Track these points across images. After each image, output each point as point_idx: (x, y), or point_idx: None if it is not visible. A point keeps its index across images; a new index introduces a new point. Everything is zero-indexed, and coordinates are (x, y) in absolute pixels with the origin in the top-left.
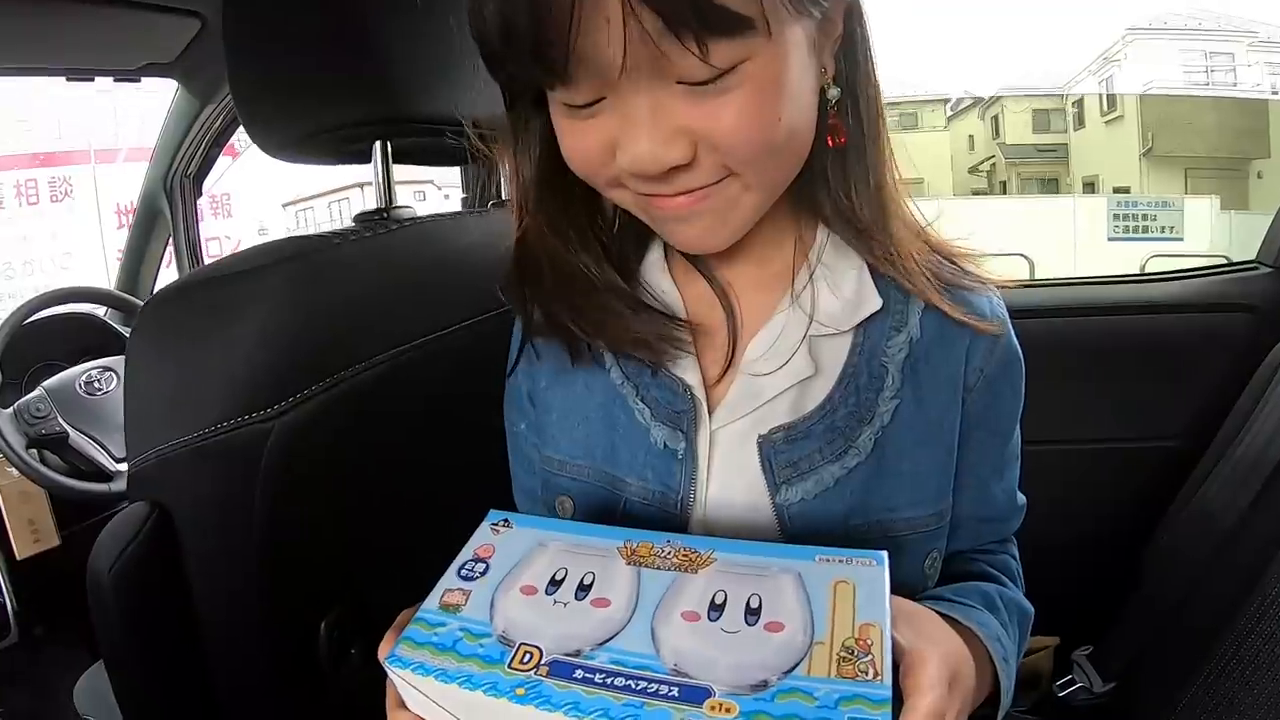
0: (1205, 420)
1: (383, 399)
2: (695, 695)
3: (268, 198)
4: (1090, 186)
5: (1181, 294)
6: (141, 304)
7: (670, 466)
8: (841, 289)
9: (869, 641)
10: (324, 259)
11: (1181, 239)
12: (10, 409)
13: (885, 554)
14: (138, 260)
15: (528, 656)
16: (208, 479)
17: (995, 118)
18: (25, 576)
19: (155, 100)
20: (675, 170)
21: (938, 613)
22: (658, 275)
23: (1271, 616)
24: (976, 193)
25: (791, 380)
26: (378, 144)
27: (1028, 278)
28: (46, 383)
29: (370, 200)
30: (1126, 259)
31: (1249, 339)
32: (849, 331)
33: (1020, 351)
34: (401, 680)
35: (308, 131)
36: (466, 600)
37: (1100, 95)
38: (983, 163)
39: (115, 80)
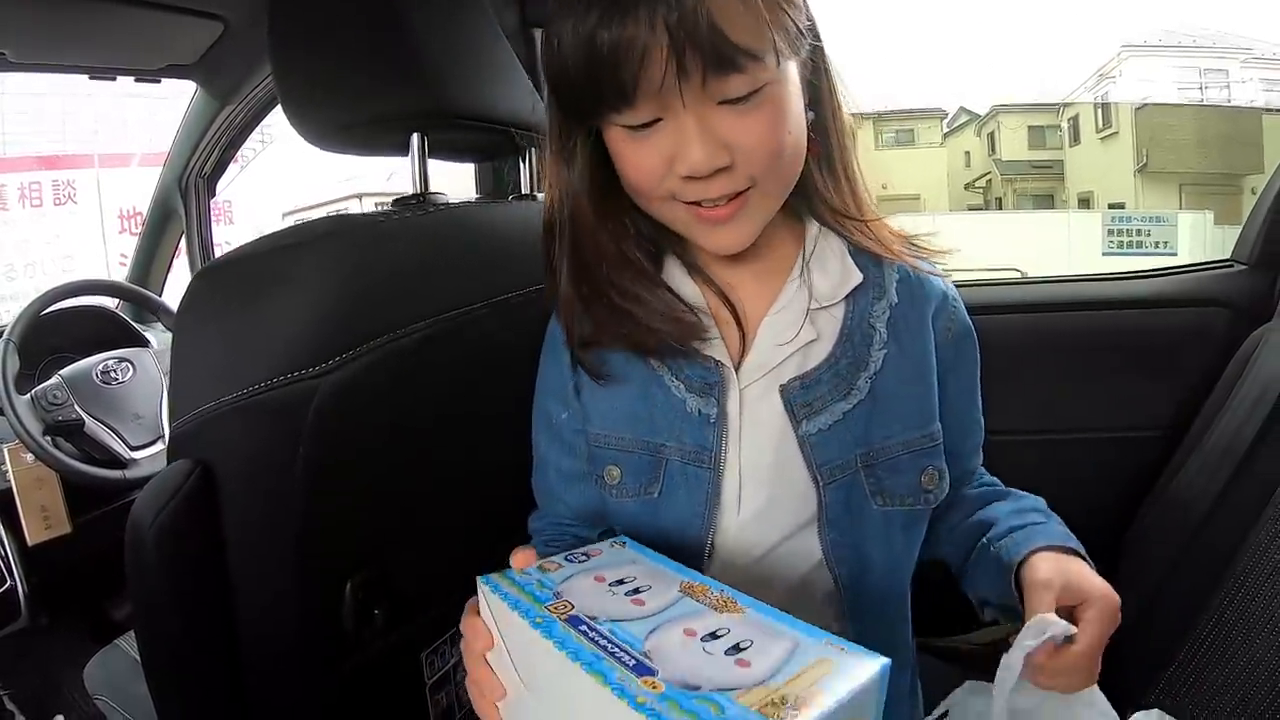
0: (1186, 411)
1: (419, 366)
2: (641, 670)
3: (268, 207)
4: (1085, 202)
5: (1162, 290)
6: (155, 297)
7: (703, 428)
8: (829, 270)
9: (807, 703)
10: (369, 234)
11: (1176, 254)
12: (28, 396)
13: (888, 661)
14: (149, 257)
15: (562, 607)
16: (253, 435)
17: (991, 134)
18: (32, 565)
19: (162, 106)
20: (718, 173)
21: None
22: (679, 279)
23: (1245, 594)
24: (973, 208)
25: (797, 346)
26: (415, 136)
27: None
28: (64, 371)
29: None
30: None
31: (1226, 333)
32: (840, 303)
33: (971, 325)
34: (481, 593)
35: (348, 122)
36: (557, 569)
37: (1095, 111)
38: (979, 179)
39: (136, 80)
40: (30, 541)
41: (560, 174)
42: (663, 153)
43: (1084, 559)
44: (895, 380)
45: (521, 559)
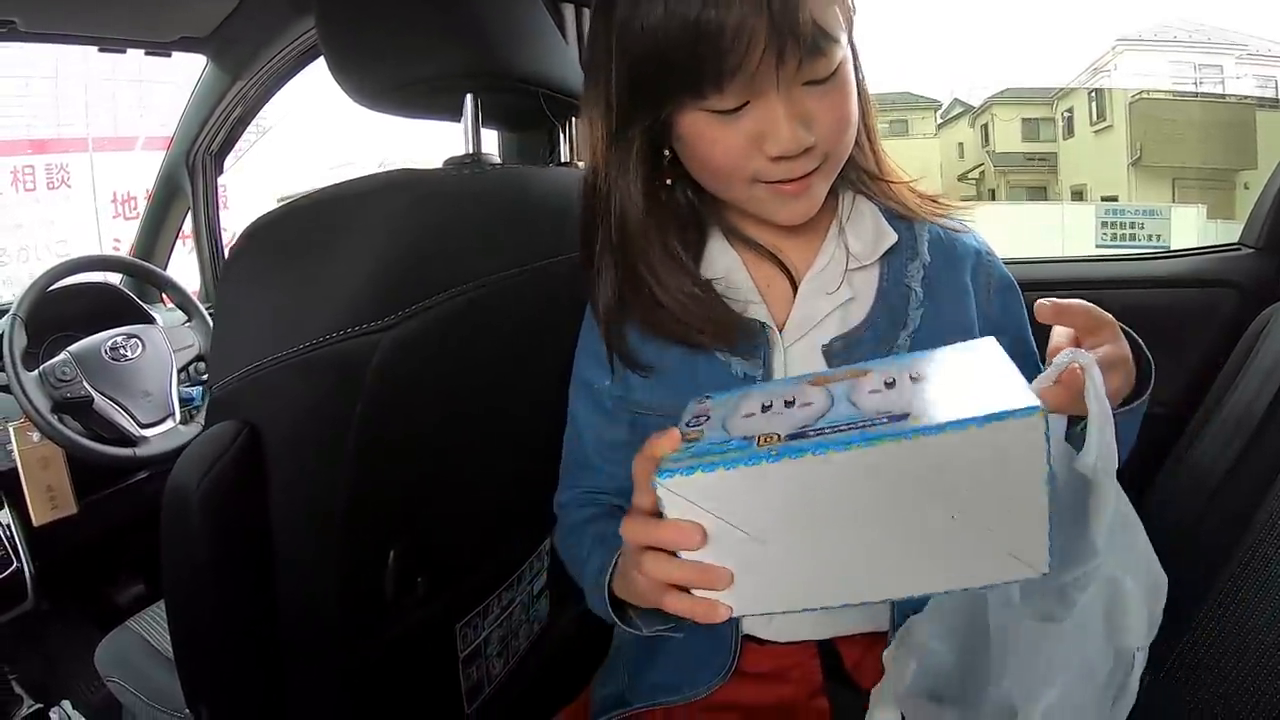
0: (1195, 387)
1: (472, 325)
2: (899, 418)
3: (263, 192)
4: (1079, 195)
5: (1172, 271)
6: (163, 273)
7: None
8: (863, 232)
9: (1005, 381)
10: (429, 189)
11: (1169, 247)
12: (35, 372)
13: (992, 338)
14: (154, 233)
15: (769, 438)
16: (310, 392)
17: (985, 126)
18: (36, 546)
19: (156, 89)
20: (804, 152)
21: None
22: (723, 251)
23: (1257, 563)
24: (966, 199)
25: (836, 304)
26: (469, 97)
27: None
28: (72, 348)
29: None
30: None
31: (1234, 313)
32: (875, 264)
33: (1011, 276)
34: (667, 490)
35: (402, 82)
36: (703, 434)
37: (1089, 104)
38: (972, 170)
39: (147, 54)
40: (36, 522)
41: (611, 162)
42: (748, 135)
43: None
44: (934, 337)
45: (669, 441)
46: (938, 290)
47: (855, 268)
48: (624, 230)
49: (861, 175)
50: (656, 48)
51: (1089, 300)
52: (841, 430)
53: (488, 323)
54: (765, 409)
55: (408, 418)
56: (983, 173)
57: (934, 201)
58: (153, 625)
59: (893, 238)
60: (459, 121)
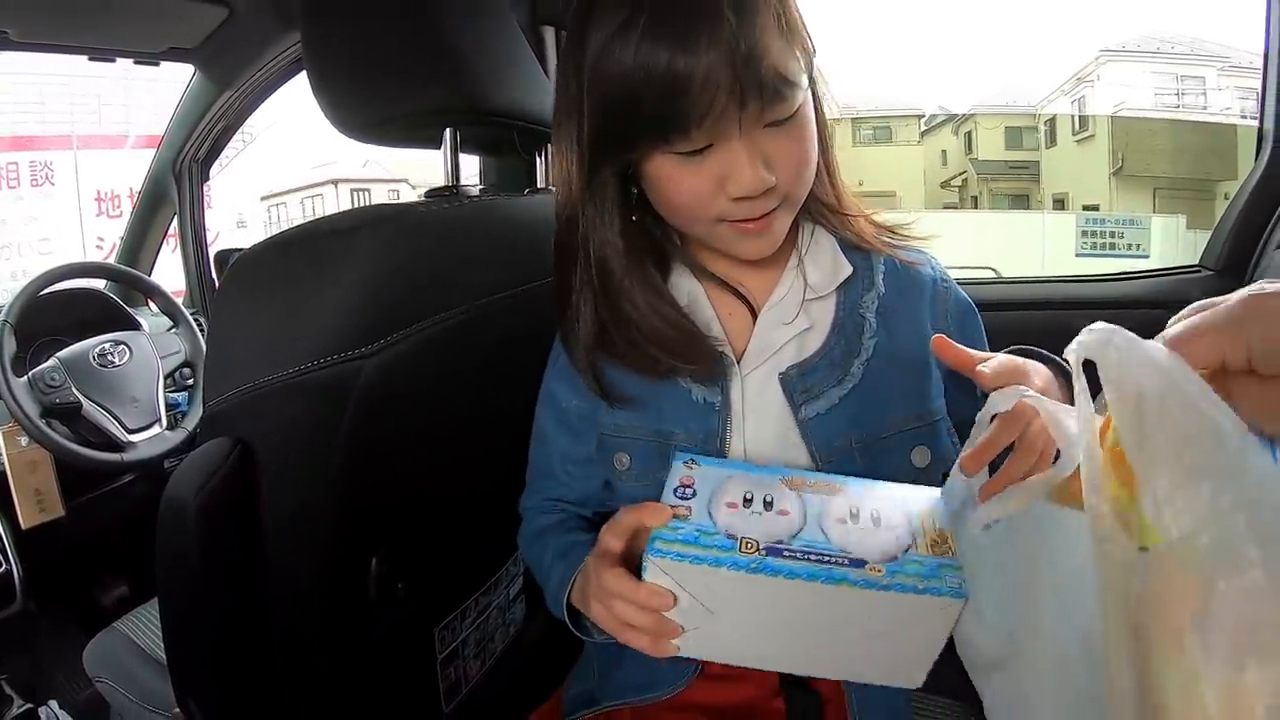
0: None
1: (453, 350)
2: (858, 564)
3: (246, 191)
4: (1060, 203)
5: (1134, 292)
6: (150, 280)
7: (709, 416)
8: (821, 263)
9: (945, 539)
10: (413, 222)
11: (1148, 256)
12: (25, 378)
13: (941, 489)
14: (140, 238)
15: (750, 545)
16: (298, 413)
17: (968, 134)
18: (23, 549)
19: (139, 87)
20: (766, 192)
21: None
22: (686, 282)
23: None
24: (948, 206)
25: (793, 333)
26: (448, 130)
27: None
28: (61, 354)
29: (344, 198)
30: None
31: None
32: (831, 294)
33: (970, 300)
34: (655, 565)
35: (383, 116)
36: (689, 513)
37: (1072, 115)
38: (955, 178)
39: (136, 63)
40: (24, 525)
41: (587, 203)
42: (712, 177)
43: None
44: (886, 366)
45: (660, 515)
46: (891, 320)
47: (813, 298)
48: (604, 268)
49: (821, 208)
50: (626, 94)
51: (1054, 320)
52: (810, 559)
53: (468, 345)
54: (746, 502)
55: (391, 435)
56: (965, 180)
57: (891, 232)
58: (140, 627)
59: (849, 269)
60: (438, 149)
